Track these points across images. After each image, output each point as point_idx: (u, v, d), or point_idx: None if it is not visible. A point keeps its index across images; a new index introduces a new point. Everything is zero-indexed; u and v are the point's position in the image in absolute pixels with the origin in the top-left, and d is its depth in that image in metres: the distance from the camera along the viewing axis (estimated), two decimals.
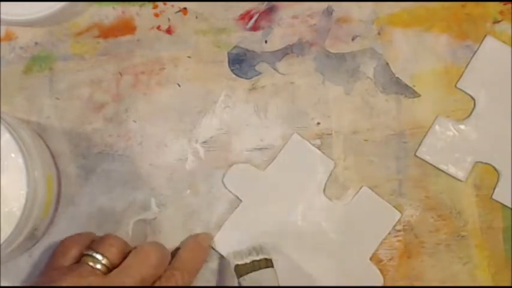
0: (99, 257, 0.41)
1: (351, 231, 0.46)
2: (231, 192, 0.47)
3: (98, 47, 0.48)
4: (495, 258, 0.47)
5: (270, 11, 0.48)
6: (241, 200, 0.47)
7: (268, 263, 0.44)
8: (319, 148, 0.47)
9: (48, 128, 0.47)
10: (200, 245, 0.45)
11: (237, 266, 0.44)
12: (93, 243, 0.42)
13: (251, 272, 0.43)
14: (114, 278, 0.40)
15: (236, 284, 0.46)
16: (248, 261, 0.44)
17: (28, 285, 0.46)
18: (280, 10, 0.48)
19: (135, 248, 0.42)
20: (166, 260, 0.43)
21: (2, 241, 0.40)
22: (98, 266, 0.40)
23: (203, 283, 0.46)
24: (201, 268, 0.45)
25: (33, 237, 0.45)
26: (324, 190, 0.47)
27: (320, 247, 0.46)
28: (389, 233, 0.47)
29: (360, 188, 0.47)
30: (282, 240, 0.46)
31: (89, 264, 0.40)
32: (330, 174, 0.47)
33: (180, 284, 0.42)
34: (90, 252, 0.41)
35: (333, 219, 0.46)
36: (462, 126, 0.47)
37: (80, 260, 0.41)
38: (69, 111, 0.47)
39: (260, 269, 0.43)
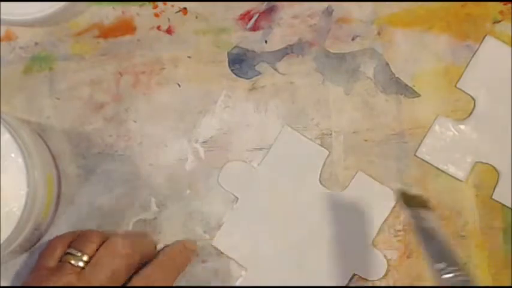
0: (78, 254, 0.41)
1: (350, 217, 0.47)
2: (227, 191, 0.47)
3: (98, 47, 0.48)
4: (495, 258, 0.47)
5: (270, 11, 0.48)
6: (238, 198, 0.47)
7: None
8: None
9: (48, 128, 0.47)
10: (184, 245, 0.46)
11: None
12: (74, 241, 0.42)
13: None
14: (87, 274, 0.40)
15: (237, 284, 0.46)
16: None
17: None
18: (280, 10, 0.48)
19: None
20: (139, 247, 0.43)
21: (2, 241, 0.40)
22: (80, 264, 0.41)
23: (203, 283, 0.46)
24: (183, 269, 0.45)
25: (33, 237, 0.45)
26: (320, 179, 0.47)
27: (321, 236, 0.46)
28: (389, 233, 0.47)
29: (356, 173, 0.47)
30: (282, 232, 0.46)
31: (70, 263, 0.41)
32: (324, 163, 0.47)
33: (158, 283, 0.42)
34: (70, 251, 0.41)
35: (331, 207, 0.47)
36: (462, 126, 0.47)
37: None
38: (69, 111, 0.47)
39: None
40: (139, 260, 0.42)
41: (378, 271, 0.46)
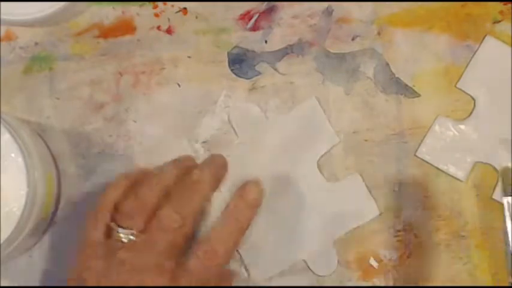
0: (124, 231, 0.40)
1: (325, 208, 0.47)
2: (231, 125, 0.47)
3: (98, 47, 0.48)
4: (495, 258, 0.47)
5: (270, 11, 0.48)
6: (238, 137, 0.47)
7: None
8: None
9: (48, 128, 0.47)
10: (246, 201, 0.42)
11: None
12: (118, 213, 0.40)
13: None
14: (142, 249, 0.39)
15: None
16: None
17: (29, 285, 0.46)
18: (280, 10, 0.48)
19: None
20: (191, 211, 0.41)
21: (2, 241, 0.40)
22: (132, 237, 0.39)
23: None
24: (249, 224, 0.41)
25: (33, 237, 0.45)
26: (319, 162, 0.47)
27: (297, 211, 0.47)
28: (389, 233, 0.47)
29: (353, 174, 0.47)
30: (273, 204, 0.46)
31: (120, 238, 0.40)
32: (330, 149, 0.47)
33: (220, 260, 0.40)
34: (116, 228, 0.40)
35: (315, 190, 0.47)
36: (462, 126, 0.47)
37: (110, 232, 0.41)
38: (69, 111, 0.47)
39: None
40: (195, 220, 0.41)
41: (325, 269, 0.46)
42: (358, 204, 0.47)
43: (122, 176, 0.42)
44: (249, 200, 0.41)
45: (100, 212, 0.41)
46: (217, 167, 0.43)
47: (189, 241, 0.41)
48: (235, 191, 0.42)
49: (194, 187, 0.41)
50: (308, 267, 0.46)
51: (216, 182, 0.42)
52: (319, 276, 0.47)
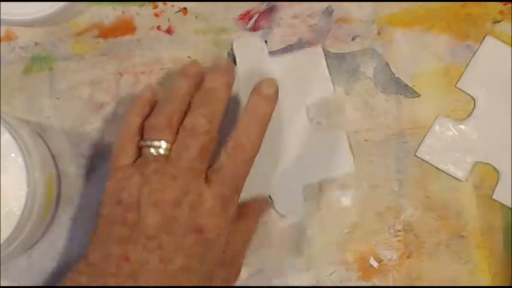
0: (156, 143, 0.40)
1: (303, 152, 0.47)
2: (233, 54, 0.47)
3: (98, 47, 0.48)
4: (495, 258, 0.47)
5: (270, 11, 0.48)
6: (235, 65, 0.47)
7: None
8: None
9: (48, 128, 0.47)
10: (262, 96, 0.42)
11: None
12: (145, 130, 0.41)
13: None
14: (174, 158, 0.40)
15: None
16: None
17: (29, 285, 0.46)
18: (280, 10, 0.48)
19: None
20: (215, 115, 0.41)
21: (2, 241, 0.40)
22: (161, 151, 0.40)
23: None
24: (268, 121, 0.42)
25: (33, 237, 0.45)
26: (308, 111, 0.47)
27: (274, 148, 0.46)
28: (389, 233, 0.47)
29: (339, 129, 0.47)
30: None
31: (151, 154, 0.40)
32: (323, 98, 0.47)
33: (247, 154, 0.41)
34: (146, 143, 0.40)
35: (298, 132, 0.47)
36: (462, 126, 0.47)
37: (141, 152, 0.41)
38: (69, 111, 0.47)
39: None
40: (219, 124, 0.41)
41: (287, 208, 0.46)
42: (336, 156, 0.47)
43: (138, 99, 0.43)
44: (264, 95, 0.42)
45: (126, 137, 0.41)
46: (226, 71, 0.43)
47: (216, 146, 0.41)
48: (252, 89, 0.43)
49: (211, 94, 0.42)
50: (273, 207, 0.46)
51: (229, 86, 0.43)
52: (281, 215, 0.46)
